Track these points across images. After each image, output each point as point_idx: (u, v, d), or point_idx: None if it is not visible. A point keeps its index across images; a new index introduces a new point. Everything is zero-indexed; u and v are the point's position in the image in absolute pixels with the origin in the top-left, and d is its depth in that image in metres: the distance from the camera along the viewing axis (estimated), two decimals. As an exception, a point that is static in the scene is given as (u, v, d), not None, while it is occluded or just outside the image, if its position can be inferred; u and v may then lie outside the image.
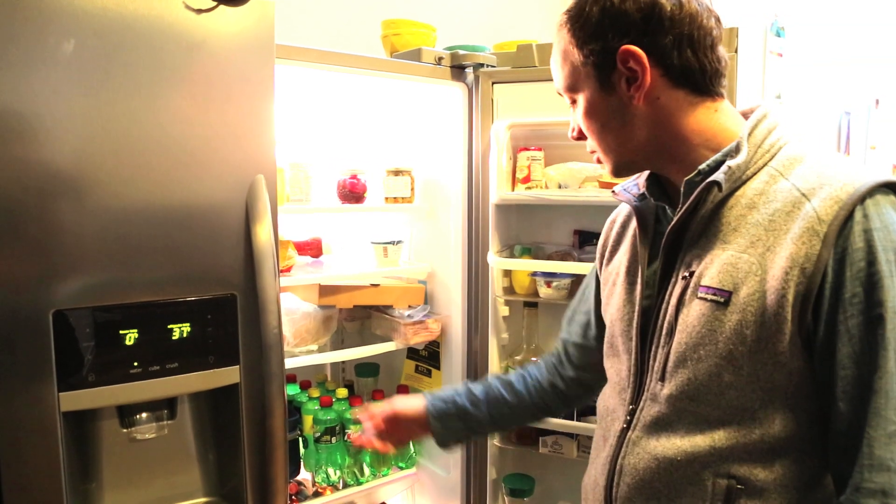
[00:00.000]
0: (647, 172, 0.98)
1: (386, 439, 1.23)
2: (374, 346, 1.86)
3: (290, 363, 1.64)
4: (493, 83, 1.75)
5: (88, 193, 1.05)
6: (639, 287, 0.96)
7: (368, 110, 2.02)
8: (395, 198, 1.88)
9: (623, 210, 1.09)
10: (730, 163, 0.83)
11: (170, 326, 1.14)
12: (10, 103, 0.97)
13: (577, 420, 1.71)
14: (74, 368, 1.06)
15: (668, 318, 0.88)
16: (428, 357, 2.02)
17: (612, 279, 1.04)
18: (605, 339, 1.04)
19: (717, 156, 0.86)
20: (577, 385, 1.20)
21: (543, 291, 1.73)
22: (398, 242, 1.88)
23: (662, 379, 0.88)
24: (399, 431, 1.23)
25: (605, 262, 1.08)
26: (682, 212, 0.87)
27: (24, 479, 1.03)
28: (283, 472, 1.24)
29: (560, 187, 1.70)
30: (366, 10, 2.12)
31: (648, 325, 0.93)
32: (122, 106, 1.07)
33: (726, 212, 0.85)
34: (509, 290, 1.82)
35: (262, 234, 1.18)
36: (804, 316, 0.78)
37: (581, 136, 0.96)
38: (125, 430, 1.19)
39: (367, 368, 2.06)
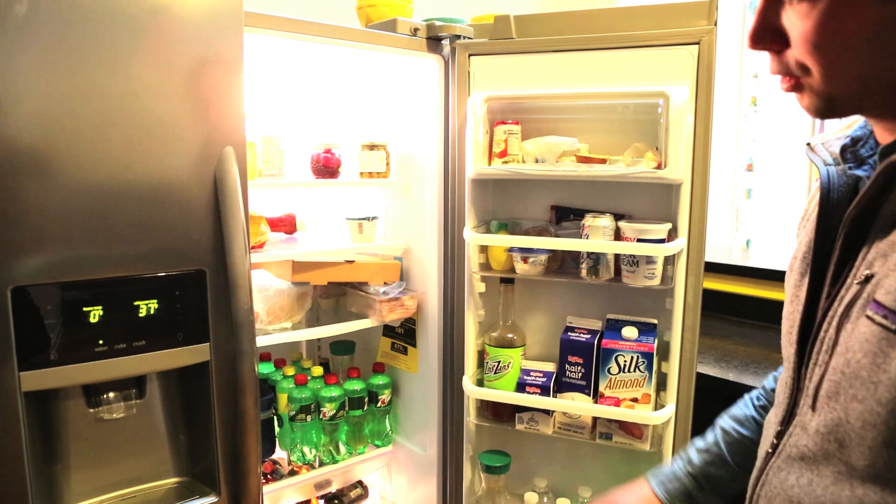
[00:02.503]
0: (855, 127, 0.75)
1: None
2: (349, 324, 1.84)
3: (263, 341, 1.61)
4: (469, 55, 1.72)
5: (48, 166, 1.01)
6: (807, 280, 0.75)
7: (343, 83, 1.97)
8: (370, 173, 1.85)
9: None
10: None
11: (136, 303, 1.11)
12: (-41, 69, 0.92)
13: (552, 397, 1.70)
14: (36, 347, 1.02)
15: (829, 330, 0.68)
16: (404, 334, 2.01)
17: (791, 262, 0.83)
18: None
19: None
20: None
21: (520, 267, 1.72)
22: (373, 218, 1.86)
23: (814, 407, 0.69)
24: None
25: (797, 238, 0.86)
26: (862, 194, 0.65)
27: (-17, 462, 1.00)
28: (255, 452, 1.22)
29: (537, 161, 1.68)
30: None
31: (811, 330, 0.73)
32: (82, 74, 1.02)
33: None
34: (486, 266, 1.80)
35: (232, 207, 1.15)
36: None
37: (758, 43, 0.66)
38: (92, 410, 1.16)
39: (342, 346, 2.04)
